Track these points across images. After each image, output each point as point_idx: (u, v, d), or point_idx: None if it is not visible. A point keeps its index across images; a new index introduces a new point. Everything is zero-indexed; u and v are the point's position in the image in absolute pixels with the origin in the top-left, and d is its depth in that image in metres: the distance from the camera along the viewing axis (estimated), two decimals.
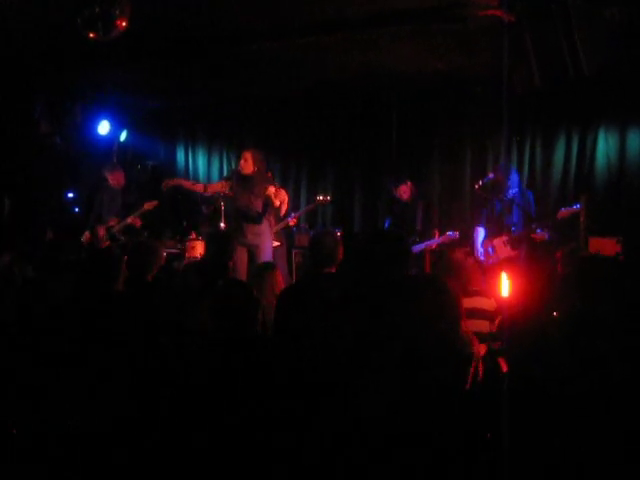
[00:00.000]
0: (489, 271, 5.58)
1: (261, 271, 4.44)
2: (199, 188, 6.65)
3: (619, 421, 2.10)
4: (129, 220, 7.08)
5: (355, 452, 2.23)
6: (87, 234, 7.13)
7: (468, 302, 3.84)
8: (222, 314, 2.83)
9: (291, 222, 7.11)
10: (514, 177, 6.23)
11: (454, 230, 6.67)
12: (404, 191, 6.86)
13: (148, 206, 7.11)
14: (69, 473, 2.52)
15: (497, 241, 6.12)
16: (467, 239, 6.71)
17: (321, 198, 7.18)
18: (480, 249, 6.21)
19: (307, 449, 2.29)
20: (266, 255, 6.04)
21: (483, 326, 3.81)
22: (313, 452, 2.27)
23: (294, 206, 7.23)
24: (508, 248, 6.05)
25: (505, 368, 3.07)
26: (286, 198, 6.46)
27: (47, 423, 2.66)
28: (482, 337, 3.68)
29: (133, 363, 2.90)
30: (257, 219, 6.11)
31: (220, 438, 2.41)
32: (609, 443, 2.07)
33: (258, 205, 6.13)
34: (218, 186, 6.52)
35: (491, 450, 2.14)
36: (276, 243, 6.83)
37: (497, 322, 3.89)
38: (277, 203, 6.15)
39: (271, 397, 2.46)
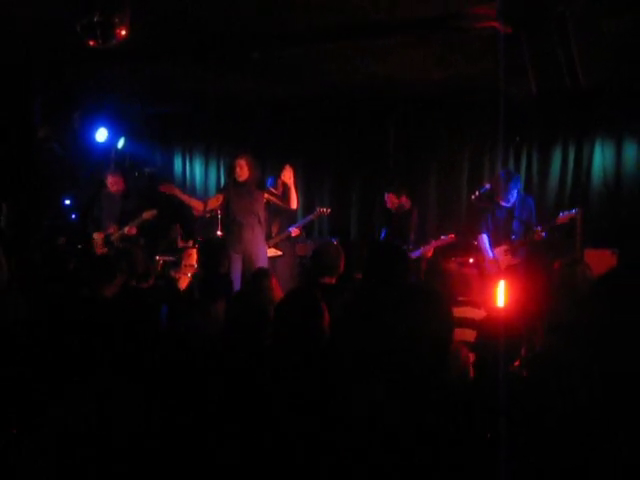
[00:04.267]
0: (492, 280, 5.54)
1: (255, 278, 4.42)
2: (198, 206, 6.45)
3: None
4: (126, 230, 7.09)
5: (352, 452, 2.24)
6: (96, 239, 7.13)
7: (456, 312, 3.88)
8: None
9: (293, 233, 7.06)
10: (517, 184, 6.12)
11: (447, 234, 6.67)
12: (389, 200, 6.91)
13: (147, 215, 7.10)
14: (69, 473, 2.51)
15: (498, 250, 6.09)
16: (463, 248, 6.72)
17: (322, 209, 7.17)
18: (491, 253, 6.09)
19: (304, 449, 2.30)
20: (261, 262, 5.97)
21: (469, 335, 3.83)
22: (312, 451, 2.28)
23: (292, 215, 7.20)
24: (509, 257, 6.03)
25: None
26: (292, 174, 6.23)
27: (47, 423, 2.65)
28: (468, 346, 3.74)
29: (129, 362, 2.91)
30: (258, 224, 6.08)
31: (221, 438, 2.42)
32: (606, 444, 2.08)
33: (258, 209, 6.12)
34: (214, 201, 6.41)
35: (491, 450, 2.15)
36: (278, 252, 6.81)
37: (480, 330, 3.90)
38: (287, 181, 6.11)
39: (270, 398, 2.47)
